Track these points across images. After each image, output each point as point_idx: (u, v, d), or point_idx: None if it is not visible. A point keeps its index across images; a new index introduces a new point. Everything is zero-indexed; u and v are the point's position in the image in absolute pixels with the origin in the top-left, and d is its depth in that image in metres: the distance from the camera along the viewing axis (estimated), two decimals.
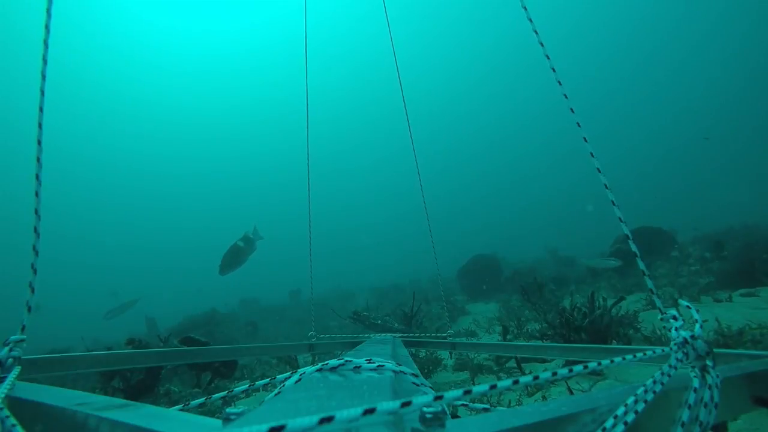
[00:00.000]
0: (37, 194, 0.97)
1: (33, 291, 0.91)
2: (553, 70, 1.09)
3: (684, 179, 42.47)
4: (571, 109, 1.06)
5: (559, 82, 1.09)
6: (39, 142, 1.00)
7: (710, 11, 38.06)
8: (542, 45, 1.12)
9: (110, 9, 46.00)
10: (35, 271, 0.93)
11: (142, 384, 4.39)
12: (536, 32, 1.13)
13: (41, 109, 1.04)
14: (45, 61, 1.08)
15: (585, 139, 1.01)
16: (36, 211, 0.96)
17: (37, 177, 0.98)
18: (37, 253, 0.94)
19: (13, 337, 0.85)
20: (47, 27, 1.09)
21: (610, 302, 4.30)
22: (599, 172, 0.97)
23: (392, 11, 3.37)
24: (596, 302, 4.21)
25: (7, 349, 0.83)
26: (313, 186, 3.22)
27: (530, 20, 1.13)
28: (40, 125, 1.02)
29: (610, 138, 42.99)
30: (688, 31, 40.08)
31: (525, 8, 1.16)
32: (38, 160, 0.99)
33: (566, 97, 1.08)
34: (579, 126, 1.04)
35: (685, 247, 10.26)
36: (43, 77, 1.07)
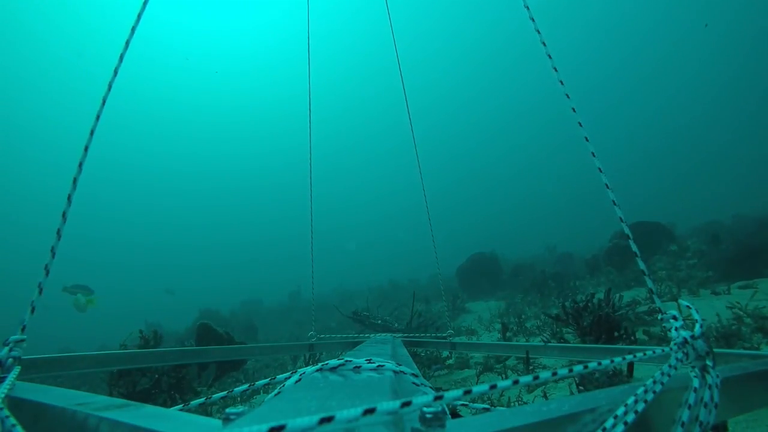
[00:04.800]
0: (69, 198, 0.99)
1: (41, 292, 0.91)
2: (555, 70, 1.09)
3: (678, 172, 42.62)
4: (573, 109, 1.06)
5: (561, 82, 1.08)
6: (86, 149, 1.03)
7: (704, 4, 38.10)
8: (544, 44, 1.12)
9: (112, 7, 45.86)
10: (47, 272, 0.93)
11: (150, 392, 4.25)
12: (538, 32, 1.12)
13: (98, 117, 1.08)
14: (116, 73, 1.12)
15: (586, 138, 1.01)
16: (63, 214, 0.97)
17: (74, 181, 1.00)
18: (53, 254, 0.94)
19: (13, 337, 0.85)
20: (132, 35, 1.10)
21: (623, 301, 4.67)
22: (600, 171, 0.97)
23: (393, 7, 3.37)
24: (611, 299, 4.40)
25: (7, 349, 0.83)
26: (313, 186, 3.22)
27: (532, 20, 1.13)
28: (92, 132, 1.05)
29: (605, 131, 43.06)
30: (681, 23, 40.15)
31: (527, 8, 1.15)
32: (80, 165, 1.01)
33: (568, 96, 1.08)
34: (581, 126, 1.03)
35: (683, 241, 10.27)
36: (109, 87, 1.10)
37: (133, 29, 1.17)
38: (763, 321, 3.80)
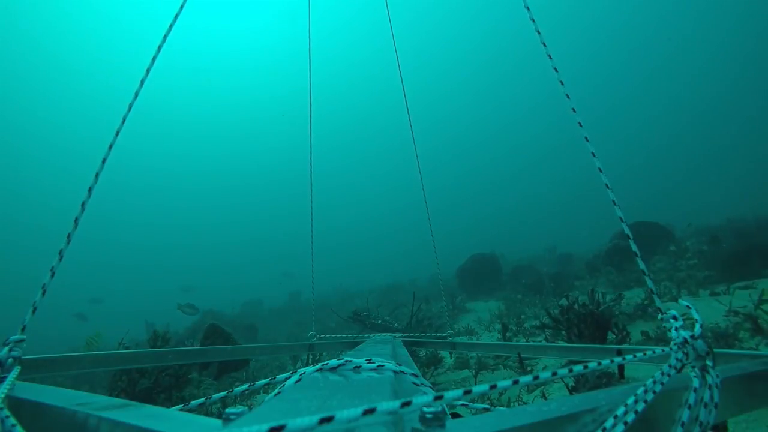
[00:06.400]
0: (83, 205, 1.02)
1: (44, 293, 0.91)
2: (555, 70, 1.09)
3: (678, 173, 42.63)
4: (573, 109, 1.06)
5: (561, 82, 1.08)
6: (104, 161, 1.08)
7: (703, 5, 38.10)
8: (545, 45, 1.12)
9: (114, 8, 45.74)
10: (53, 274, 0.93)
11: (150, 391, 4.24)
12: (539, 32, 1.12)
13: (117, 133, 1.13)
14: (136, 96, 1.14)
15: (587, 138, 1.01)
16: (76, 220, 1.00)
17: (90, 190, 1.04)
18: (61, 257, 0.95)
19: (13, 337, 0.85)
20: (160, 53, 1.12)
21: (608, 297, 4.49)
22: (600, 171, 0.97)
23: (393, 6, 3.38)
24: (595, 296, 4.34)
25: (7, 349, 0.83)
26: (313, 186, 3.23)
27: (533, 20, 1.13)
28: (110, 147, 1.10)
29: (605, 132, 43.07)
30: (680, 25, 40.14)
31: (528, 8, 1.15)
32: (96, 176, 1.06)
33: (568, 97, 1.08)
34: (581, 126, 1.03)
35: (683, 241, 10.27)
36: (130, 107, 1.13)
37: (154, 57, 1.19)
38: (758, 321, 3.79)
